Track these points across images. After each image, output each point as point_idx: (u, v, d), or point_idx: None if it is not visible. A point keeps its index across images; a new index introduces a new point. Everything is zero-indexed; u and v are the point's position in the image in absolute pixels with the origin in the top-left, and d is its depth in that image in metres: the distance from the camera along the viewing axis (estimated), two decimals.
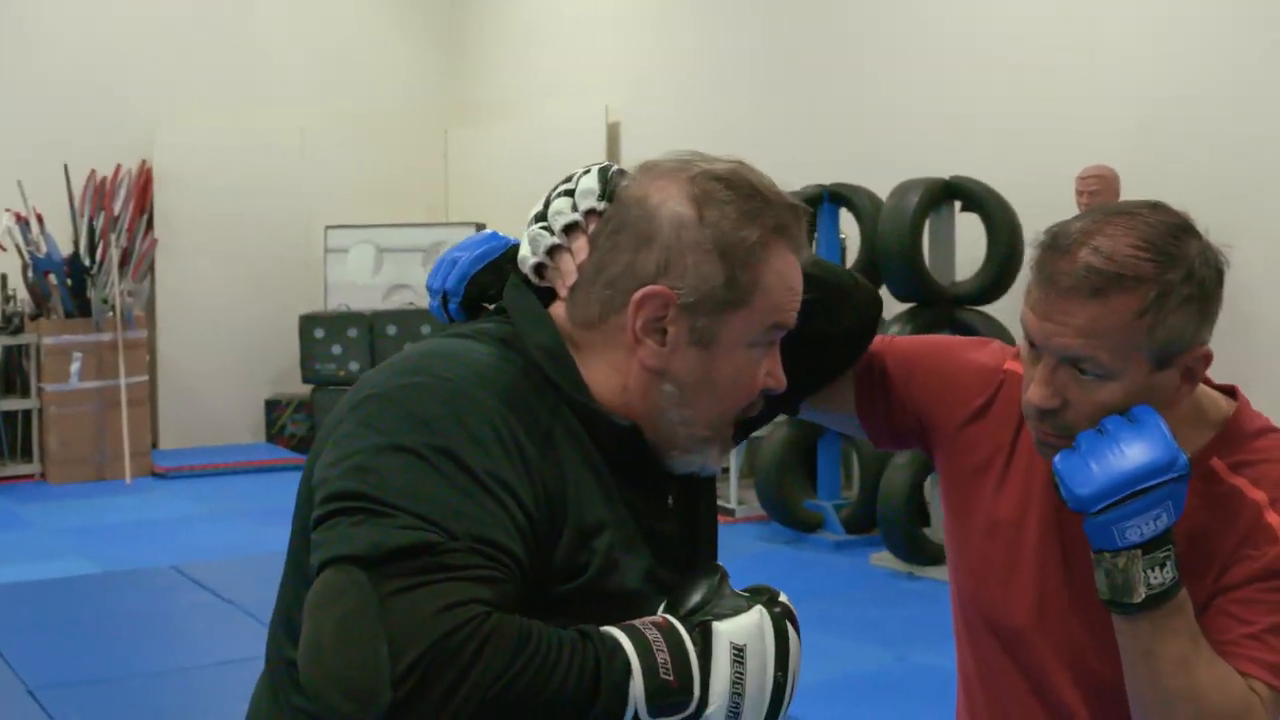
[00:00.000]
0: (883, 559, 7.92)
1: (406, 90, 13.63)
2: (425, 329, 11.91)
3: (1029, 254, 1.90)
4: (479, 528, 1.52)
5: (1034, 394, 1.87)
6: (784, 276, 1.76)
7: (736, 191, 1.73)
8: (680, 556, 1.81)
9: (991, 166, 8.28)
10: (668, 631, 1.59)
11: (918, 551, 7.67)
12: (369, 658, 1.43)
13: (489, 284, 1.91)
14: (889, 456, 7.78)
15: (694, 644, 1.58)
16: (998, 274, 8.04)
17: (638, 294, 1.70)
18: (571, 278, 1.77)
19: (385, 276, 12.58)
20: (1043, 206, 7.93)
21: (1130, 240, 1.79)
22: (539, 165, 12.32)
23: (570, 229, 1.78)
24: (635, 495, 1.76)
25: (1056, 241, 1.84)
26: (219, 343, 12.40)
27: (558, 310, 1.79)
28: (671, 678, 1.55)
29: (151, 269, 12.21)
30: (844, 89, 9.90)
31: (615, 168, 1.82)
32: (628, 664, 1.54)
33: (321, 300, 12.56)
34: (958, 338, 2.32)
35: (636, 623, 1.60)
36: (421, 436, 1.57)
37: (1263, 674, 1.89)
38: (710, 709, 1.58)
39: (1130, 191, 7.36)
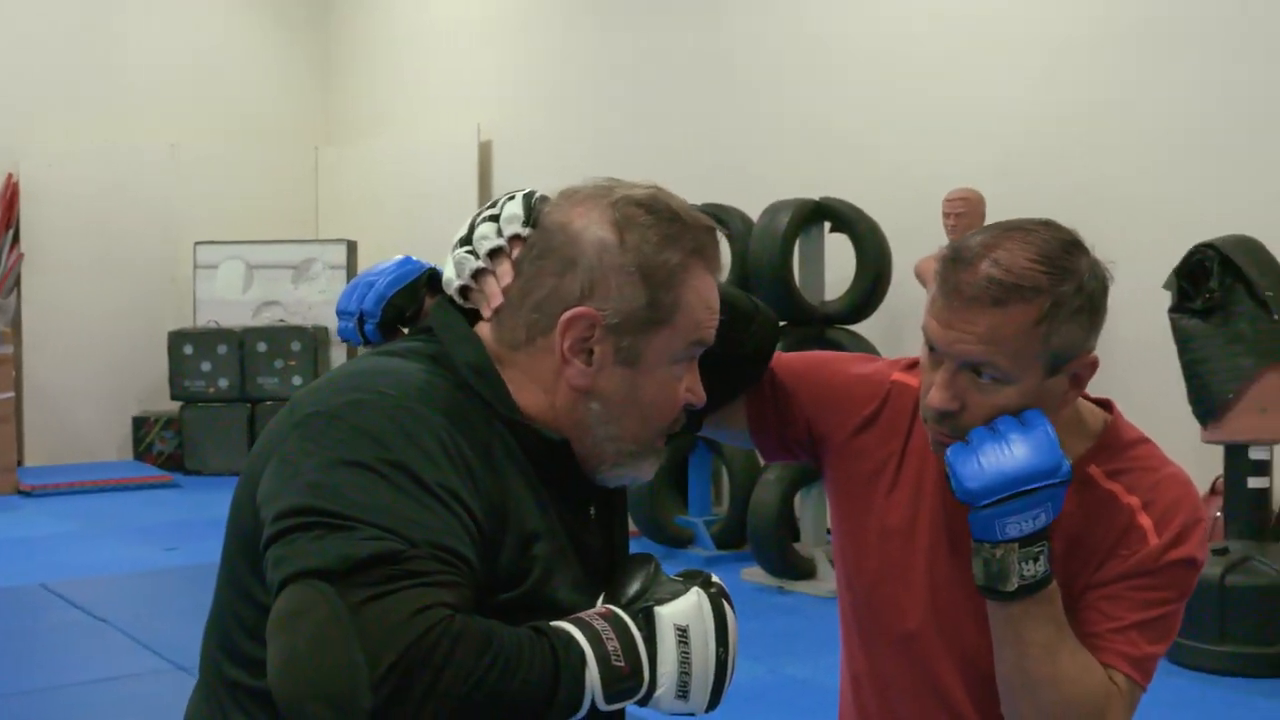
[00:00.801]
0: (753, 574, 7.99)
1: (277, 106, 13.58)
2: (296, 345, 11.86)
3: (939, 270, 1.97)
4: (436, 535, 1.58)
5: (935, 397, 1.97)
6: (703, 296, 1.84)
7: (656, 216, 1.81)
8: (602, 568, 1.88)
9: (860, 188, 8.41)
10: (614, 620, 1.68)
11: (788, 566, 7.75)
12: (345, 665, 1.48)
13: (404, 306, 2.01)
14: (759, 472, 7.87)
15: (639, 629, 1.68)
16: (867, 293, 8.17)
17: (565, 316, 1.78)
18: (496, 300, 1.83)
19: (255, 293, 12.51)
20: (910, 228, 8.16)
21: (1028, 254, 1.90)
22: (410, 183, 12.44)
23: (495, 253, 1.85)
24: (563, 508, 1.83)
25: (959, 255, 1.94)
26: (86, 359, 12.27)
27: (483, 330, 1.85)
28: (623, 664, 1.64)
29: (18, 284, 12.05)
30: (716, 109, 10.00)
31: (538, 194, 1.89)
32: (583, 654, 1.62)
33: (191, 317, 12.46)
34: (843, 353, 2.43)
35: (583, 615, 1.69)
36: (373, 451, 1.62)
37: (1124, 666, 2.01)
38: (660, 689, 1.68)
39: (995, 214, 7.50)
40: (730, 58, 9.92)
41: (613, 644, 1.64)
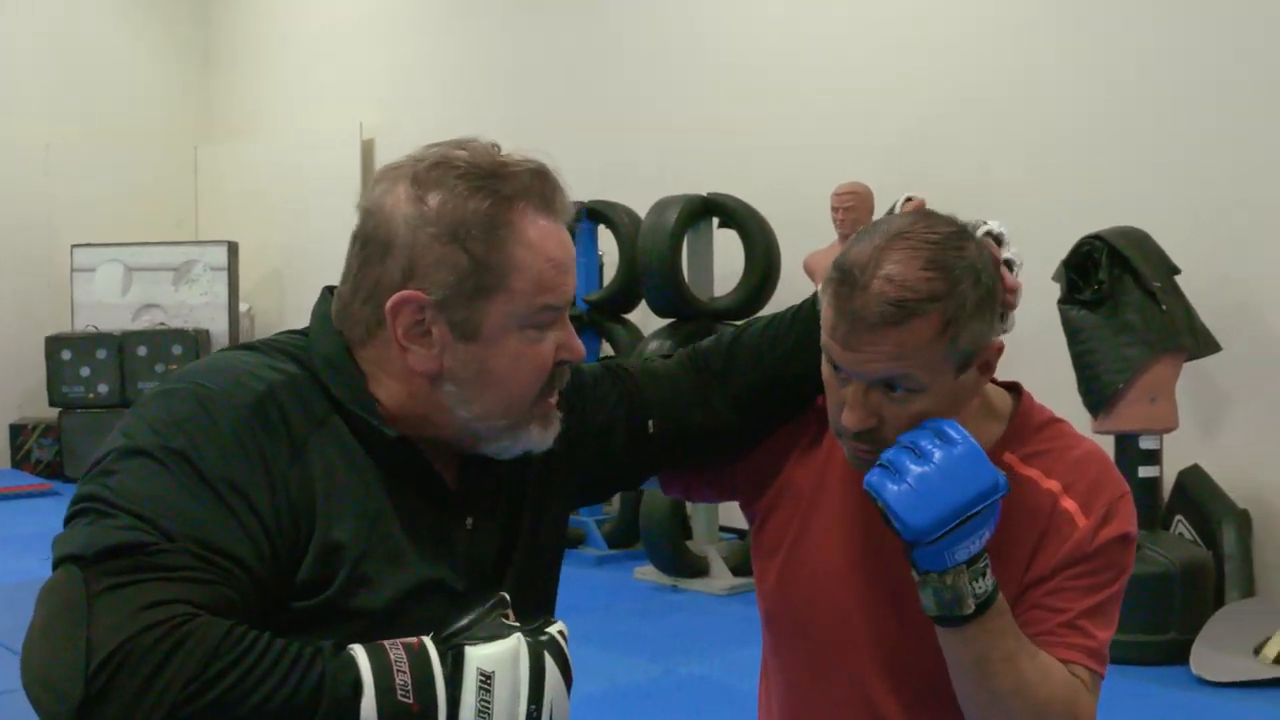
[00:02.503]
0: (646, 573, 7.94)
1: (154, 105, 13.36)
2: (177, 349, 11.65)
3: (831, 293, 1.90)
4: (200, 531, 1.49)
5: (848, 419, 1.90)
6: (539, 248, 1.68)
7: (459, 170, 1.66)
8: (486, 581, 1.75)
9: (748, 183, 8.39)
10: (416, 653, 1.52)
11: (681, 564, 7.71)
12: (67, 654, 1.41)
13: None
14: None
15: (444, 668, 1.52)
16: (756, 289, 8.15)
17: (388, 304, 1.65)
18: None
19: (134, 296, 12.27)
20: (799, 222, 8.14)
21: (917, 264, 1.84)
22: (292, 182, 12.28)
23: None
24: (419, 514, 1.70)
25: (849, 276, 1.87)
26: None
27: None
28: (410, 700, 1.48)
29: None
30: (602, 106, 9.95)
31: None
32: (357, 681, 1.47)
33: (68, 321, 12.21)
34: None
35: (385, 642, 1.53)
36: (159, 439, 1.55)
37: (1082, 659, 1.96)
38: None
39: (884, 208, 7.49)
40: (616, 54, 9.88)
41: (403, 677, 1.48)
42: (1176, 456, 6.65)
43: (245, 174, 12.91)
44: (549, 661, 1.58)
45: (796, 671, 2.17)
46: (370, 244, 1.68)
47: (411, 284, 1.64)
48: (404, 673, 1.49)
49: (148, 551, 1.46)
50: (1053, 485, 2.01)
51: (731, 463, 2.20)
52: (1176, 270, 6.45)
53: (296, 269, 12.34)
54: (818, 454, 2.15)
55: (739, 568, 7.73)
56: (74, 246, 12.25)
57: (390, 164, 1.72)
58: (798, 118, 8.71)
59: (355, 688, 1.46)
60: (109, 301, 12.22)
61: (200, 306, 12.06)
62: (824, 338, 1.92)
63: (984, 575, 1.85)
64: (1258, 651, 6.05)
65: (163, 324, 12.01)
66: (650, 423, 2.05)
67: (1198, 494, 6.68)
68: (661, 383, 2.10)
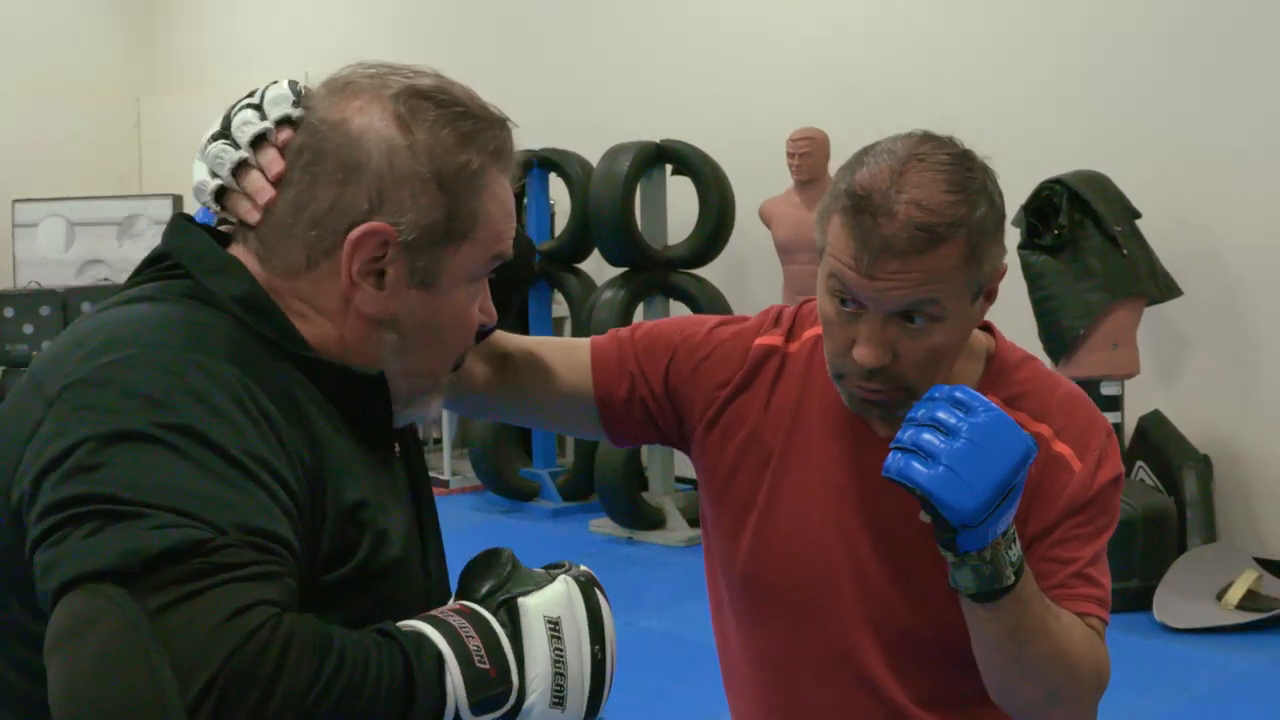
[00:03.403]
0: (602, 525, 7.88)
1: (94, 57, 13.11)
2: None
3: (846, 221, 1.81)
4: (245, 516, 1.28)
5: (865, 354, 1.82)
6: (503, 203, 1.58)
7: (448, 110, 1.53)
8: (410, 512, 1.63)
9: (702, 130, 8.28)
10: (472, 616, 1.39)
11: (637, 517, 7.65)
12: (146, 686, 1.17)
13: None
14: None
15: (503, 626, 1.40)
16: (710, 237, 8.04)
17: (354, 234, 1.47)
18: (265, 195, 1.51)
19: (78, 251, 12.05)
20: (753, 169, 8.04)
21: (941, 187, 1.78)
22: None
23: (258, 141, 1.53)
24: (373, 451, 1.56)
25: (869, 202, 1.78)
26: None
27: (241, 256, 1.54)
28: (487, 665, 1.36)
29: None
30: (554, 53, 9.81)
31: (300, 84, 1.58)
32: (439, 654, 1.34)
33: (10, 278, 12.00)
34: (686, 317, 2.22)
35: (435, 612, 1.40)
36: (151, 416, 1.30)
37: (1095, 609, 1.90)
38: (532, 697, 1.40)
39: (839, 154, 7.42)
40: (569, 5, 9.74)
41: (474, 642, 1.36)
42: (1138, 402, 6.61)
43: (189, 127, 12.58)
44: (600, 598, 1.49)
45: (772, 634, 2.07)
46: (326, 161, 1.50)
47: (379, 215, 1.48)
48: (473, 637, 1.37)
49: (204, 550, 1.23)
50: (1043, 429, 1.93)
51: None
52: (1137, 214, 6.39)
53: None
54: (783, 407, 2.05)
55: (696, 519, 7.66)
56: (15, 202, 12.03)
57: (340, 78, 1.55)
58: (751, 65, 8.60)
59: (438, 661, 1.34)
60: (52, 257, 12.00)
61: None
62: (833, 268, 1.82)
63: (1015, 541, 1.75)
64: (1220, 597, 6.04)
65: (107, 279, 11.80)
66: None
67: (1159, 440, 6.63)
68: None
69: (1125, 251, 6.24)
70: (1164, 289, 6.43)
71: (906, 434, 1.68)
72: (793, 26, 8.44)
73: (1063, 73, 7.31)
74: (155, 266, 1.57)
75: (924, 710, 2.00)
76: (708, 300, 7.79)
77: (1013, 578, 1.74)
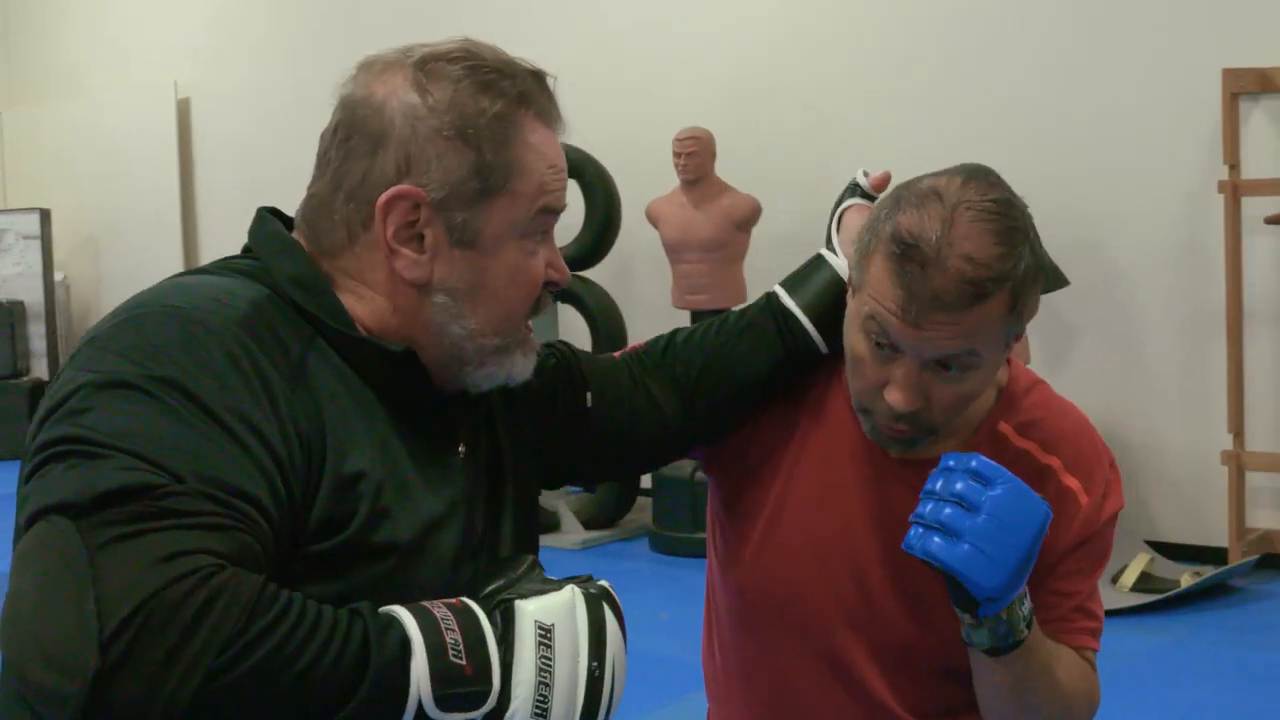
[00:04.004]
0: None
1: None
2: None
3: (893, 268, 1.81)
4: (212, 469, 1.30)
5: (899, 399, 1.82)
6: (542, 152, 1.57)
7: (465, 65, 1.54)
8: (476, 519, 1.62)
9: (584, 132, 8.20)
10: (461, 611, 1.38)
11: None
12: (72, 619, 1.19)
13: None
14: None
15: (493, 626, 1.38)
16: (597, 239, 8.00)
17: (382, 198, 1.50)
18: None
19: None
20: (638, 170, 8.03)
21: (990, 240, 1.76)
22: (105, 144, 11.90)
23: None
24: (418, 440, 1.55)
25: (917, 252, 1.76)
26: None
27: (303, 240, 1.59)
28: (464, 661, 1.33)
29: None
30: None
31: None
32: (405, 640, 1.32)
33: None
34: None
35: (423, 603, 1.38)
36: (142, 368, 1.35)
37: (1091, 641, 1.96)
38: (514, 704, 1.36)
39: (725, 151, 7.47)
40: (442, 4, 9.66)
41: (453, 635, 1.34)
42: None
43: (54, 137, 12.45)
44: (608, 612, 1.46)
45: (770, 644, 2.07)
46: (356, 135, 1.53)
47: (408, 180, 1.51)
48: (453, 630, 1.34)
49: (156, 495, 1.26)
50: (1053, 461, 1.96)
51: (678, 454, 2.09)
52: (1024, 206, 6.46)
53: (113, 234, 11.94)
54: (794, 425, 2.06)
55: (590, 521, 7.66)
56: None
57: (368, 58, 1.60)
58: (632, 64, 8.60)
59: (403, 647, 1.32)
60: None
61: (13, 277, 11.61)
62: (873, 310, 1.81)
63: (1026, 597, 1.77)
64: (1115, 580, 6.13)
65: None
66: (589, 395, 1.92)
67: None
68: (598, 362, 1.99)
69: None
70: (1052, 279, 6.52)
71: (927, 509, 1.69)
72: (674, 25, 8.46)
73: (948, 67, 7.40)
74: (240, 254, 1.61)
75: (916, 718, 2.03)
76: (595, 302, 7.77)
77: (1025, 631, 1.77)
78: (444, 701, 1.32)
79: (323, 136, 1.58)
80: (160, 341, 1.38)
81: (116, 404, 1.32)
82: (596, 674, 1.42)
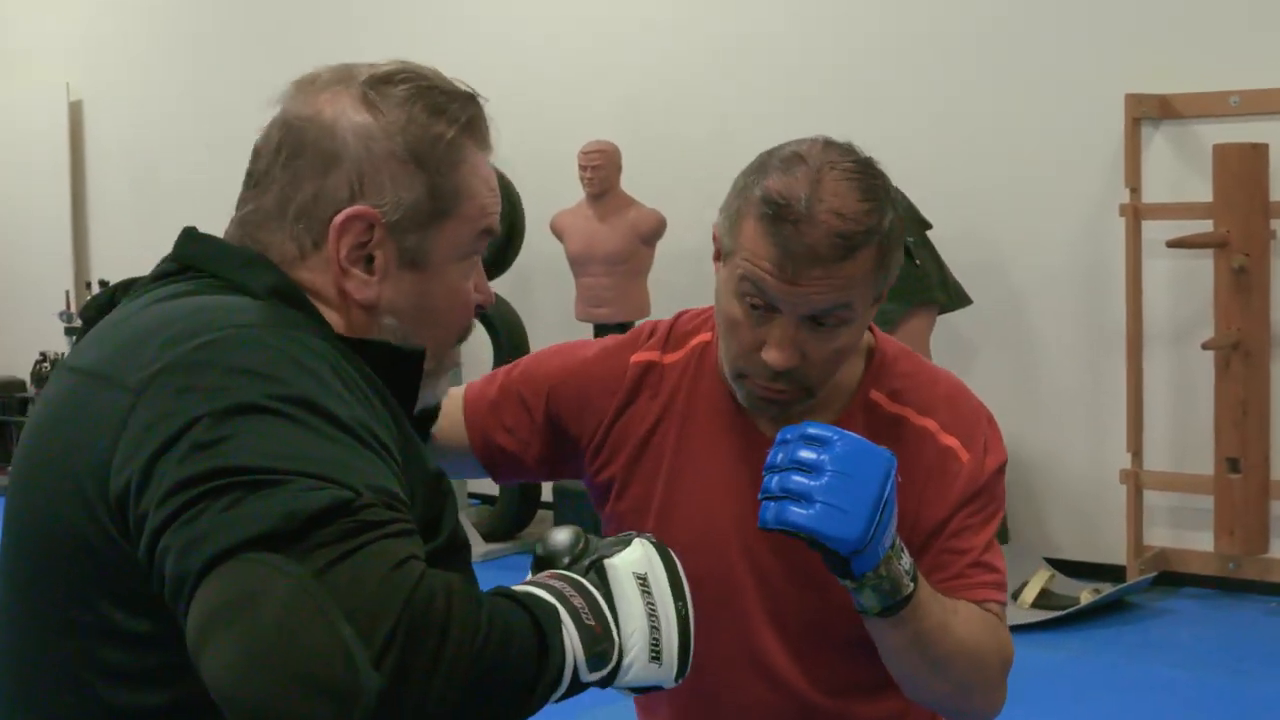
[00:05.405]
0: None
1: None
2: None
3: (763, 228, 1.87)
4: (372, 479, 1.27)
5: (776, 356, 1.88)
6: (484, 176, 1.59)
7: (414, 86, 1.55)
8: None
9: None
10: (566, 579, 1.41)
11: None
12: (334, 646, 1.16)
13: None
14: None
15: (595, 586, 1.42)
16: (500, 250, 7.97)
17: (338, 219, 1.49)
18: None
19: None
20: (543, 182, 8.01)
21: (856, 195, 1.86)
22: None
23: None
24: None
25: (788, 210, 1.84)
26: None
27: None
28: (594, 622, 1.37)
29: None
30: (331, 60, 9.62)
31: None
32: (556, 612, 1.34)
33: None
34: (556, 346, 2.26)
35: (531, 579, 1.42)
36: (264, 389, 1.29)
37: (993, 594, 1.98)
38: (631, 653, 1.41)
39: (631, 163, 7.49)
40: (343, 10, 9.60)
41: (578, 600, 1.37)
42: None
43: None
44: (675, 558, 1.51)
45: None
46: (305, 155, 1.51)
47: (361, 200, 1.50)
48: (575, 595, 1.38)
49: (353, 510, 1.22)
50: (928, 423, 2.01)
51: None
52: (928, 225, 6.55)
53: (3, 241, 11.74)
54: (669, 416, 2.10)
55: (491, 533, 7.65)
56: None
57: (306, 76, 1.60)
58: (535, 78, 8.56)
59: (556, 617, 1.34)
60: None
61: None
62: (747, 271, 1.88)
63: (904, 549, 1.81)
64: (1015, 597, 6.20)
65: None
66: None
67: None
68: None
69: (918, 261, 6.38)
70: (955, 298, 6.60)
71: (773, 482, 1.73)
72: (574, 40, 8.46)
73: (853, 85, 7.43)
74: (168, 278, 1.55)
75: (833, 700, 2.07)
76: (498, 314, 7.75)
77: (911, 585, 1.80)
78: (590, 662, 1.36)
79: (258, 153, 1.56)
80: (263, 361, 1.33)
81: (256, 428, 1.27)
82: (684, 613, 1.47)
